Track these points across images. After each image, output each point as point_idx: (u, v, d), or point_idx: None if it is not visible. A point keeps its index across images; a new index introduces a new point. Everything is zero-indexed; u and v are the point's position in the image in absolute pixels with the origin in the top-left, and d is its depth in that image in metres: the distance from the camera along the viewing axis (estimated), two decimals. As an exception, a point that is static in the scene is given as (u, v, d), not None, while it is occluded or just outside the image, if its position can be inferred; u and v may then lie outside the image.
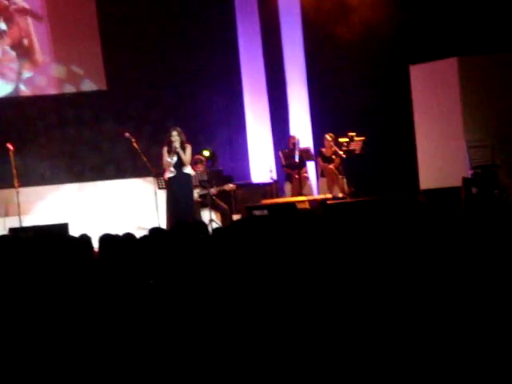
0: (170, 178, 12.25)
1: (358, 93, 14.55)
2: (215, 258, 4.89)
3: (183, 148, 12.07)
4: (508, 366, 3.02)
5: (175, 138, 12.03)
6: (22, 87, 14.82)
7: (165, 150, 12.16)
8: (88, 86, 14.94)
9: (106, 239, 5.88)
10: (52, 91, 14.87)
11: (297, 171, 14.03)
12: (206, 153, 14.37)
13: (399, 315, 3.58)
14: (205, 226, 7.40)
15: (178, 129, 12.14)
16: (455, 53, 13.23)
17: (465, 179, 12.51)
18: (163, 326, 3.93)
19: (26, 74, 14.82)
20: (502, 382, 2.95)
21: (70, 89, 14.94)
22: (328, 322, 3.68)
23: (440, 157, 13.35)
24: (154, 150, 13.06)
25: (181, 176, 12.18)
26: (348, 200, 13.09)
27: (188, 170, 12.33)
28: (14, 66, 14.78)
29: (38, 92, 14.79)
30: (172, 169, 12.14)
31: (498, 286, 3.79)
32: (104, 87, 14.88)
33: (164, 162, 12.18)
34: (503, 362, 3.10)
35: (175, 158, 12.11)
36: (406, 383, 3.10)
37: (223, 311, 3.92)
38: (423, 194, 12.99)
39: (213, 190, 13.21)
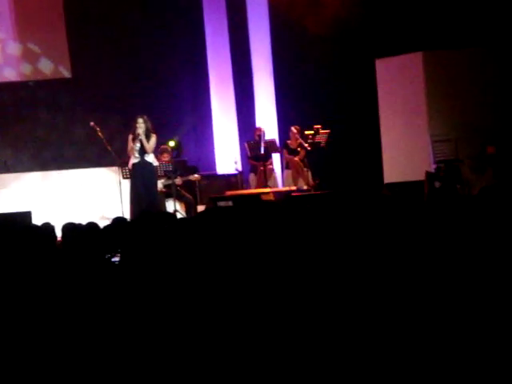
0: (133, 165, 12.23)
1: (324, 86, 14.58)
2: (179, 249, 4.88)
3: (148, 136, 12.09)
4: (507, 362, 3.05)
5: (140, 124, 12.09)
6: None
7: (130, 137, 12.19)
8: (47, 66, 14.70)
9: (68, 228, 5.85)
10: (11, 74, 14.64)
11: (262, 163, 14.05)
12: (172, 143, 14.34)
13: (363, 303, 3.61)
14: (171, 216, 7.39)
15: (145, 117, 12.18)
16: (421, 47, 13.31)
17: (428, 173, 12.60)
18: (127, 313, 3.92)
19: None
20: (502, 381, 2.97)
21: (27, 68, 14.72)
22: (293, 311, 3.70)
23: (404, 151, 13.44)
24: (119, 139, 13.01)
25: (144, 164, 12.19)
26: (312, 192, 13.15)
27: (150, 158, 12.32)
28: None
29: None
30: (136, 155, 12.14)
31: (460, 276, 3.84)
32: (69, 75, 14.77)
33: (129, 148, 12.18)
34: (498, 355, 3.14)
35: (138, 145, 12.13)
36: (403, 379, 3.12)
37: (187, 300, 3.92)
38: (387, 188, 13.08)
39: (178, 181, 13.19)
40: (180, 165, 13.43)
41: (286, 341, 3.45)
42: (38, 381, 3.63)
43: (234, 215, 6.03)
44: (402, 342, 3.28)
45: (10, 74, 14.71)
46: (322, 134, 13.64)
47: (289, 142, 14.19)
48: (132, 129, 12.19)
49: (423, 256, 4.31)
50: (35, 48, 14.77)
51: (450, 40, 13.42)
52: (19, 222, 10.36)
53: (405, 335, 3.34)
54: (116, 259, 5.51)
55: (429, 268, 4.03)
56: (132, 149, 12.13)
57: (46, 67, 14.80)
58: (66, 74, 14.77)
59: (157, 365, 3.54)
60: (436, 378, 3.03)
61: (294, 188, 13.55)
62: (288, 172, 14.31)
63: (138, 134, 12.03)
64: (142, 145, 12.12)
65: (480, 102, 13.21)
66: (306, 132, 13.77)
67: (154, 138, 12.13)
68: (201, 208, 13.15)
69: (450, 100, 13.24)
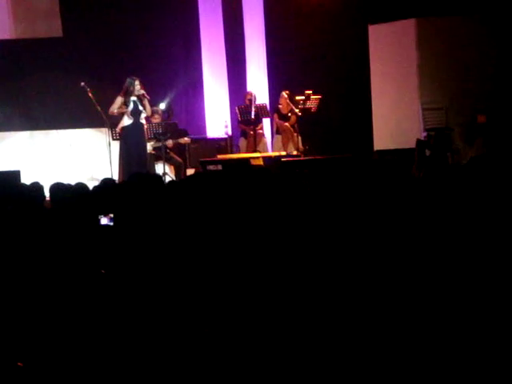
0: (124, 127, 12.18)
1: (317, 51, 14.51)
2: (169, 211, 4.88)
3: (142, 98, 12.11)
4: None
5: (137, 86, 12.06)
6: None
7: (119, 98, 12.11)
8: (38, 25, 14.55)
9: (57, 188, 5.84)
10: (2, 32, 14.47)
11: (252, 127, 14.01)
12: (162, 105, 14.28)
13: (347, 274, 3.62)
14: (159, 178, 7.39)
15: (139, 79, 12.17)
16: (414, 14, 13.25)
17: (418, 141, 12.60)
18: (115, 276, 3.92)
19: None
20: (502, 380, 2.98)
21: (18, 26, 14.57)
22: (281, 275, 3.71)
23: (395, 118, 13.42)
24: (110, 100, 12.91)
25: (137, 125, 12.16)
26: (302, 158, 13.14)
27: (143, 120, 12.32)
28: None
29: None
30: (130, 116, 12.10)
31: (449, 244, 3.85)
32: (60, 34, 14.63)
33: (115, 108, 12.09)
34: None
35: (132, 106, 12.09)
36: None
37: (173, 262, 3.92)
38: (377, 155, 13.09)
39: (169, 143, 13.16)
40: (170, 127, 13.37)
41: (277, 312, 3.46)
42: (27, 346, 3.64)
43: (223, 179, 6.03)
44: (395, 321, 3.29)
45: (1, 32, 14.56)
46: (313, 100, 13.60)
47: (280, 106, 14.15)
48: (124, 90, 12.13)
49: (413, 224, 4.32)
50: (27, 6, 14.61)
51: (444, 7, 13.35)
52: (8, 180, 10.33)
53: (394, 307, 3.35)
54: (105, 220, 5.52)
55: (418, 236, 4.04)
56: (120, 109, 12.07)
57: (38, 26, 14.66)
58: (58, 33, 14.62)
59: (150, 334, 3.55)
60: (436, 376, 3.04)
61: (283, 153, 13.53)
62: (278, 137, 14.28)
63: (143, 94, 12.02)
64: (136, 105, 12.08)
65: (472, 71, 13.18)
66: (297, 97, 13.72)
67: (147, 101, 12.16)
68: (190, 171, 13.13)
69: (442, 68, 13.20)
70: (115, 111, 12.14)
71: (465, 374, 3.01)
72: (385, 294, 3.44)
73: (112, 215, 5.42)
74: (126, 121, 12.18)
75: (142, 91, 12.08)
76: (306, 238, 4.27)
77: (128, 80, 12.16)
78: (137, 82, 12.09)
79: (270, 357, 3.15)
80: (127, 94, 12.09)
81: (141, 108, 12.15)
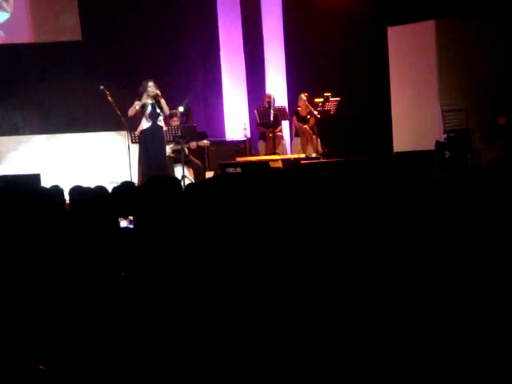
0: (143, 131, 12.24)
1: (335, 53, 14.49)
2: (188, 214, 4.88)
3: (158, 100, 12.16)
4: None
5: (153, 88, 12.11)
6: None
7: (138, 103, 12.18)
8: (58, 29, 14.64)
9: (76, 191, 5.85)
10: (22, 36, 14.57)
11: (271, 130, 14.02)
12: (181, 108, 14.31)
13: (373, 275, 3.61)
14: (177, 181, 7.39)
15: (153, 80, 12.21)
16: (433, 15, 13.20)
17: (438, 143, 12.55)
18: (135, 280, 3.93)
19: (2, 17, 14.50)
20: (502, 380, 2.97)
21: (38, 30, 14.65)
22: (300, 278, 3.70)
23: (414, 120, 13.37)
24: (129, 103, 12.96)
25: (155, 128, 12.20)
26: (321, 160, 13.12)
27: (162, 122, 12.35)
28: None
29: (9, 36, 14.45)
30: (149, 118, 12.15)
31: (469, 246, 3.83)
32: (79, 38, 14.69)
33: (132, 111, 12.16)
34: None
35: (150, 108, 12.14)
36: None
37: (193, 262, 3.92)
38: (396, 157, 13.04)
39: (191, 145, 13.19)
40: (189, 130, 13.40)
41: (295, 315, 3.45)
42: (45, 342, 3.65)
43: (242, 182, 6.03)
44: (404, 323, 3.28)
45: (20, 36, 14.64)
46: (332, 102, 13.58)
47: (299, 109, 14.14)
48: (140, 93, 12.18)
49: (432, 226, 4.30)
50: (46, 10, 14.68)
51: (464, 8, 13.29)
52: (28, 184, 10.38)
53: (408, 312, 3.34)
54: (124, 223, 5.53)
55: (439, 239, 4.02)
56: (137, 112, 12.12)
57: (57, 29, 14.73)
58: (77, 36, 14.68)
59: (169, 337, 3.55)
60: (436, 376, 3.03)
61: (302, 155, 13.53)
62: (297, 139, 14.28)
63: (158, 95, 12.06)
64: (154, 108, 12.13)
65: (492, 72, 13.11)
66: (316, 100, 13.71)
67: (164, 101, 12.21)
68: (209, 174, 13.15)
69: (462, 69, 13.15)
70: (131, 112, 12.22)
71: (465, 373, 3.00)
72: (405, 296, 3.42)
73: (131, 218, 5.44)
74: (145, 124, 12.22)
75: (157, 91, 12.10)
76: (326, 240, 4.26)
77: (142, 82, 12.23)
78: (150, 83, 12.12)
79: (270, 357, 3.16)
80: (142, 95, 12.15)
81: (158, 110, 12.18)
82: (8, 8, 14.46)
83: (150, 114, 12.15)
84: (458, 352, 3.06)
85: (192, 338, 3.38)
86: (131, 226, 5.53)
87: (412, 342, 3.15)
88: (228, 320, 3.44)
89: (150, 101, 12.11)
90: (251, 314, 3.46)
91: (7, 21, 14.54)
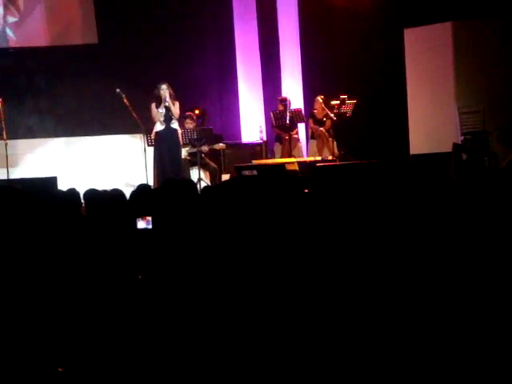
0: (157, 133, 12.26)
1: (352, 55, 14.46)
2: (204, 217, 4.88)
3: (172, 103, 12.17)
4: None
5: (164, 90, 12.12)
6: (9, 33, 14.50)
7: (153, 105, 12.22)
8: (73, 32, 14.66)
9: (90, 194, 5.85)
10: (38, 39, 14.60)
11: (287, 132, 14.00)
12: (197, 111, 14.31)
13: (389, 279, 3.58)
14: (192, 184, 7.38)
15: (166, 83, 12.23)
16: (450, 17, 13.15)
17: (455, 145, 12.50)
18: (150, 283, 3.92)
19: (11, 19, 14.51)
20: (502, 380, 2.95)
21: (54, 34, 14.68)
22: (313, 281, 3.68)
23: (431, 122, 13.32)
24: (144, 106, 12.98)
25: (169, 131, 12.22)
26: (337, 163, 13.08)
27: (176, 125, 12.35)
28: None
29: (24, 39, 14.49)
30: (162, 121, 12.17)
31: (486, 248, 3.81)
32: (95, 41, 14.71)
33: (153, 114, 12.22)
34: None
35: (163, 111, 12.16)
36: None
37: (208, 264, 3.91)
38: (413, 159, 12.99)
39: (203, 149, 13.18)
40: (205, 133, 13.39)
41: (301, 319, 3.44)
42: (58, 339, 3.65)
43: (258, 185, 6.01)
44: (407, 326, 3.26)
45: (36, 40, 14.67)
46: (348, 104, 13.54)
47: (315, 111, 14.12)
48: (154, 96, 12.21)
49: (449, 228, 4.27)
50: (61, 13, 14.72)
51: (480, 10, 13.24)
52: (45, 187, 10.40)
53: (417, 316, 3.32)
54: (142, 224, 5.50)
55: (457, 241, 4.00)
56: (157, 114, 12.16)
57: (73, 32, 14.76)
58: (93, 39, 14.70)
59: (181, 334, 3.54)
60: (436, 376, 3.01)
61: (318, 158, 13.50)
62: (313, 142, 14.25)
63: (165, 98, 12.06)
64: (167, 110, 12.15)
65: (509, 74, 13.05)
66: (332, 102, 13.68)
67: (177, 104, 12.21)
68: (225, 177, 13.14)
69: (479, 71, 13.09)
70: (154, 116, 12.27)
71: (465, 373, 2.98)
72: (423, 298, 3.40)
73: (149, 218, 5.41)
74: (159, 126, 12.25)
75: (167, 93, 12.10)
76: (343, 241, 4.24)
77: (157, 85, 12.28)
78: (163, 86, 12.14)
79: (270, 357, 3.14)
80: (156, 98, 12.20)
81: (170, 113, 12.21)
82: (16, 12, 14.50)
83: (164, 116, 12.18)
84: (458, 352, 3.04)
85: (209, 339, 3.36)
86: (149, 227, 5.51)
87: (412, 342, 3.13)
88: (246, 320, 3.42)
89: (168, 101, 12.15)
90: (267, 311, 3.45)
91: (21, 24, 14.58)
